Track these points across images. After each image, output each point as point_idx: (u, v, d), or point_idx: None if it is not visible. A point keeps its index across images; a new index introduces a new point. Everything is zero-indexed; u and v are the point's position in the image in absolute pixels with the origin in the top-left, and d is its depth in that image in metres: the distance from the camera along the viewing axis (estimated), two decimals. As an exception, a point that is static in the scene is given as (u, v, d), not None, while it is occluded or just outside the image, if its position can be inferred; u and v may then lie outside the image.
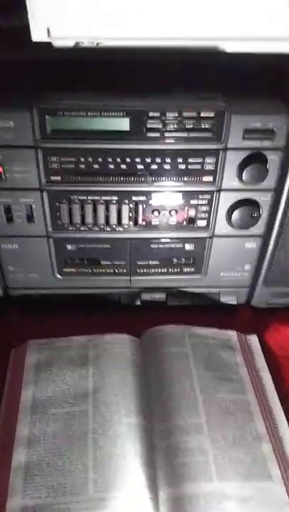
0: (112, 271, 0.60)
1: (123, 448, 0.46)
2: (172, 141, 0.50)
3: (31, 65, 0.50)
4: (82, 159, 0.50)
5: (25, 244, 0.56)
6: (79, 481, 0.43)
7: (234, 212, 0.55)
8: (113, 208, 0.54)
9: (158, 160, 0.51)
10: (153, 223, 0.56)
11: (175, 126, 0.49)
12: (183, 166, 0.52)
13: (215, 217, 0.56)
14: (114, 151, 0.50)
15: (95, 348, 0.56)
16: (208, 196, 0.55)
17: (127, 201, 0.54)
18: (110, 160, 0.50)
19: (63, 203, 0.53)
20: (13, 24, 0.47)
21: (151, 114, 0.48)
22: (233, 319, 0.65)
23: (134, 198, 0.54)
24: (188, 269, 0.62)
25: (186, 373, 0.54)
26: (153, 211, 0.55)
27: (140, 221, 0.56)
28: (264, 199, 0.54)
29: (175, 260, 0.61)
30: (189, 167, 0.52)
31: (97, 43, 0.47)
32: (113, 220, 0.55)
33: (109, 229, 0.56)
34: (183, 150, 0.51)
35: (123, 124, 0.48)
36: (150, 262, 0.60)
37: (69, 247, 0.57)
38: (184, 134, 0.50)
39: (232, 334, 0.61)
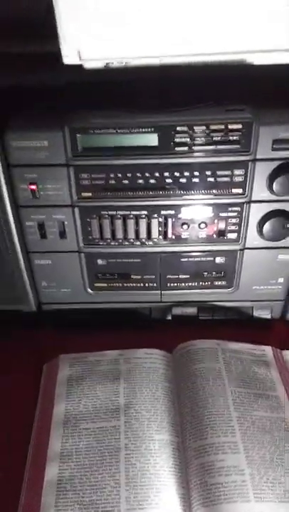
0: (142, 285, 0.60)
1: (156, 465, 0.45)
2: (200, 154, 0.50)
3: (62, 87, 0.53)
4: (112, 175, 0.51)
5: (58, 260, 0.57)
6: (111, 498, 0.42)
7: (265, 224, 0.54)
8: (143, 223, 0.55)
9: (186, 173, 0.51)
10: (183, 237, 0.56)
11: (203, 140, 0.50)
12: (212, 179, 0.52)
13: (246, 229, 0.56)
14: (143, 166, 0.51)
15: (127, 363, 0.55)
16: (238, 208, 0.54)
17: (156, 215, 0.54)
18: (139, 175, 0.51)
19: (94, 218, 0.54)
20: (45, 48, 0.49)
21: (179, 128, 0.49)
22: (268, 334, 0.63)
23: (163, 212, 0.54)
24: (220, 283, 0.61)
25: (220, 389, 0.52)
26: (182, 225, 0.55)
27: (170, 235, 0.56)
28: (296, 210, 0.53)
29: (206, 274, 0.60)
30: (218, 179, 0.52)
31: (126, 63, 0.49)
32: (143, 234, 0.55)
33: (139, 243, 0.56)
34: (211, 163, 0.51)
35: (152, 139, 0.49)
36: (181, 276, 0.60)
37: (100, 261, 0.58)
38: (212, 147, 0.50)
39: (267, 349, 0.59)
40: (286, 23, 0.44)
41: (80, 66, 0.48)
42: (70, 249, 0.56)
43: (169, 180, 0.52)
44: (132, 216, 0.54)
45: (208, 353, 0.57)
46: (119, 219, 0.54)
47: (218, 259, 0.59)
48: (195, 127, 0.49)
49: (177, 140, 0.49)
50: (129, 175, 0.51)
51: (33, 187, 0.51)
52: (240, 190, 0.52)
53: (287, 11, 0.43)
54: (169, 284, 0.61)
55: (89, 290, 0.61)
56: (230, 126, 0.49)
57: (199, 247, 0.57)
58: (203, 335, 0.60)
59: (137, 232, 0.55)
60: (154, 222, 0.55)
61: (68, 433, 0.48)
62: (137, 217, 0.54)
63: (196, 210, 0.54)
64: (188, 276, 0.60)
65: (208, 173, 0.51)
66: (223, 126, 0.49)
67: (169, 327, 0.64)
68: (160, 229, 0.55)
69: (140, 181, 0.52)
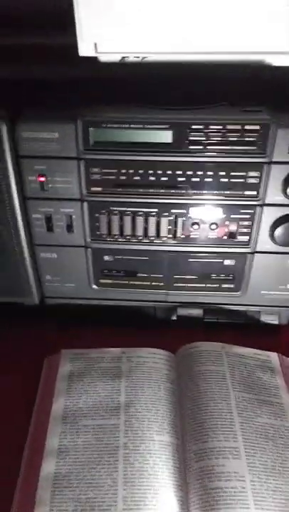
0: (148, 284, 0.60)
1: (154, 466, 0.44)
2: (215, 154, 0.49)
3: (77, 80, 0.52)
4: (123, 171, 0.50)
5: (64, 254, 0.57)
6: (108, 497, 0.42)
7: (278, 228, 0.53)
8: (152, 220, 0.54)
9: (199, 173, 0.50)
10: (192, 237, 0.55)
11: (218, 139, 0.49)
12: (225, 180, 0.51)
13: (257, 232, 0.55)
14: (155, 163, 0.50)
15: (129, 361, 0.55)
16: (250, 211, 0.53)
17: (166, 214, 0.53)
18: (151, 172, 0.50)
19: (103, 213, 0.53)
20: (61, 41, 0.48)
21: (194, 126, 0.48)
22: (274, 340, 0.62)
23: (173, 211, 0.53)
24: (227, 286, 0.60)
25: (223, 393, 0.51)
26: (193, 224, 0.54)
27: (179, 234, 0.55)
28: (310, 215, 0.52)
29: (214, 276, 0.59)
30: (232, 180, 0.51)
31: (143, 58, 0.48)
32: (152, 232, 0.55)
33: (147, 241, 0.55)
34: (225, 163, 0.50)
35: (166, 136, 0.48)
36: (188, 277, 0.59)
37: (106, 257, 0.57)
38: (227, 147, 0.49)
39: (272, 355, 0.58)
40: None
41: (96, 59, 0.47)
42: (77, 243, 0.56)
43: (181, 179, 0.51)
44: (141, 213, 0.53)
45: (213, 355, 0.56)
46: (128, 215, 0.53)
47: (227, 262, 0.58)
48: (211, 126, 0.48)
49: (192, 138, 0.48)
50: (140, 171, 0.50)
51: (42, 179, 0.51)
52: (253, 193, 0.52)
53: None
54: (175, 284, 0.60)
55: (94, 286, 0.60)
56: (246, 127, 0.48)
57: (208, 248, 0.56)
58: (208, 337, 0.59)
59: (145, 230, 0.54)
60: (164, 221, 0.54)
61: (67, 429, 0.48)
62: (146, 215, 0.54)
63: (208, 211, 0.53)
64: (195, 277, 0.59)
65: (222, 173, 0.50)
66: (239, 127, 0.48)
67: (173, 328, 0.63)
68: (170, 228, 0.54)
69: (152, 178, 0.51)
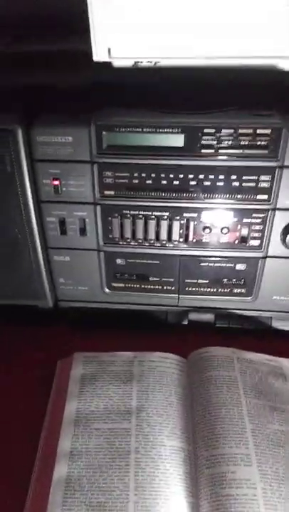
0: (160, 288, 0.60)
1: (166, 472, 0.44)
2: (226, 157, 0.49)
3: (91, 85, 0.53)
4: (136, 174, 0.51)
5: (77, 257, 0.57)
6: (119, 502, 0.41)
7: (289, 233, 0.53)
8: (164, 224, 0.54)
9: (211, 176, 0.51)
10: (204, 241, 0.55)
11: (230, 143, 0.49)
12: (237, 183, 0.51)
13: (269, 237, 0.54)
14: (167, 167, 0.50)
15: (141, 365, 0.55)
16: (262, 215, 0.53)
17: (178, 217, 0.54)
18: (163, 176, 0.51)
19: (115, 217, 0.54)
20: (76, 46, 0.49)
21: (206, 130, 0.48)
22: (287, 346, 0.62)
23: (185, 215, 0.54)
24: (239, 291, 0.60)
25: (235, 399, 0.51)
26: (204, 228, 0.54)
27: (191, 238, 0.55)
28: None
29: (225, 280, 0.59)
30: (243, 184, 0.51)
31: (156, 63, 0.49)
32: (163, 235, 0.55)
33: (159, 245, 0.56)
34: (237, 167, 0.50)
35: (178, 140, 0.49)
36: (199, 281, 0.59)
37: (119, 261, 0.58)
38: (239, 151, 0.49)
39: (284, 361, 0.57)
40: None
41: (110, 64, 0.48)
42: (90, 247, 0.56)
43: (193, 183, 0.51)
44: (153, 217, 0.54)
45: (224, 360, 0.55)
46: (140, 219, 0.54)
47: (239, 266, 0.58)
48: (223, 130, 0.48)
49: (204, 142, 0.49)
50: (153, 175, 0.51)
51: (56, 182, 0.51)
52: (265, 197, 0.51)
53: None
54: (187, 289, 0.60)
55: (106, 289, 0.60)
56: (258, 131, 0.48)
57: (220, 253, 0.56)
58: (219, 343, 0.58)
59: (157, 234, 0.55)
60: (176, 225, 0.54)
61: (79, 432, 0.47)
62: (158, 219, 0.54)
63: (219, 215, 0.53)
64: (207, 281, 0.59)
65: (234, 177, 0.50)
66: (251, 131, 0.48)
67: (185, 332, 0.63)
68: (181, 231, 0.55)
69: (164, 182, 0.51)
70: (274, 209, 0.52)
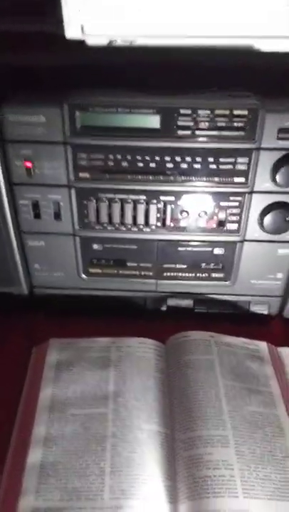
0: (138, 273, 0.59)
1: (142, 455, 0.44)
2: (203, 139, 0.49)
3: (64, 64, 0.51)
4: (111, 156, 0.50)
5: (52, 242, 0.56)
6: (95, 487, 0.41)
7: (267, 216, 0.53)
8: (141, 208, 0.53)
9: (188, 159, 0.50)
10: (181, 225, 0.55)
11: (206, 125, 0.48)
12: (214, 166, 0.50)
13: (246, 220, 0.54)
14: (143, 149, 0.49)
15: (118, 351, 0.54)
16: (239, 198, 0.53)
17: (155, 201, 0.53)
18: (139, 158, 0.50)
19: (91, 200, 0.53)
20: (49, 25, 0.48)
21: (182, 111, 0.47)
22: (264, 330, 0.62)
23: (162, 198, 0.53)
24: (217, 275, 0.60)
25: (212, 382, 0.51)
26: (182, 212, 0.54)
27: (168, 222, 0.54)
28: (299, 202, 0.52)
29: (203, 265, 0.59)
30: (220, 167, 0.50)
31: (131, 42, 0.47)
32: (140, 220, 0.54)
33: (136, 229, 0.55)
34: (214, 149, 0.49)
35: (153, 121, 0.48)
36: (177, 266, 0.59)
37: (95, 246, 0.57)
38: (216, 133, 0.48)
39: (261, 345, 0.58)
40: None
41: (84, 43, 0.47)
42: (65, 231, 0.55)
43: (169, 165, 0.50)
44: (130, 200, 0.53)
45: (202, 344, 0.55)
46: (116, 203, 0.53)
47: (217, 251, 0.57)
48: (199, 111, 0.48)
49: (180, 123, 0.48)
50: (128, 157, 0.50)
51: (29, 164, 0.50)
52: (242, 180, 0.51)
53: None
54: (165, 274, 0.59)
55: (83, 275, 0.59)
56: (235, 112, 0.48)
57: (198, 237, 0.56)
58: (198, 328, 0.58)
59: (134, 218, 0.54)
60: (153, 208, 0.53)
61: (54, 418, 0.47)
62: (135, 202, 0.53)
63: (197, 198, 0.53)
64: (185, 266, 0.59)
65: (211, 159, 0.50)
66: (228, 112, 0.48)
67: (163, 318, 0.63)
68: (158, 215, 0.54)
69: (140, 164, 0.50)
70: (251, 192, 0.52)
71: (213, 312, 0.63)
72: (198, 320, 0.62)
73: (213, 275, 0.59)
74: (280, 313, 0.63)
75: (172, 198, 0.53)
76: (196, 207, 0.53)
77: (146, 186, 0.52)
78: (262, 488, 0.42)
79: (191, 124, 0.48)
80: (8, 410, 0.49)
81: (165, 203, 0.53)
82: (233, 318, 0.63)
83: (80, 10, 0.44)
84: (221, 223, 0.55)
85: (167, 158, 0.50)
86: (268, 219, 0.53)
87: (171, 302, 0.63)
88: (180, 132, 0.48)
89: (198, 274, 0.59)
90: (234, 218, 0.54)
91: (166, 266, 0.59)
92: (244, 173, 0.51)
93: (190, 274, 0.59)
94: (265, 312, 0.63)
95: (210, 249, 0.57)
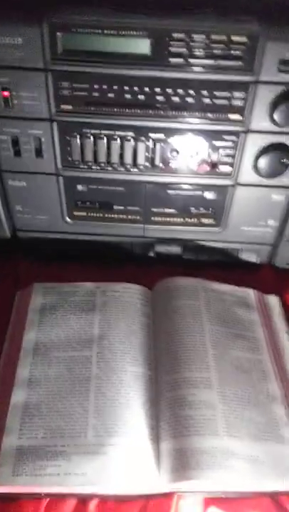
0: (125, 217, 0.57)
1: (126, 396, 0.44)
2: (197, 69, 0.45)
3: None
4: (96, 86, 0.46)
5: (34, 182, 0.53)
6: (78, 425, 0.42)
7: (262, 158, 0.50)
8: (128, 146, 0.50)
9: (180, 91, 0.46)
10: (171, 166, 0.52)
11: (202, 52, 0.44)
12: (208, 100, 0.47)
13: (240, 162, 0.51)
14: (131, 79, 0.45)
15: (104, 295, 0.53)
16: (234, 138, 0.50)
17: (143, 138, 0.49)
18: (127, 89, 0.46)
19: (74, 136, 0.49)
20: None
21: (175, 35, 0.43)
22: (253, 278, 0.61)
23: (151, 136, 0.49)
24: (207, 221, 0.57)
25: (198, 326, 0.50)
26: (172, 152, 0.50)
27: (157, 162, 0.51)
28: (297, 144, 0.49)
29: (193, 210, 0.56)
30: (215, 102, 0.47)
31: None
32: (128, 159, 0.51)
33: (123, 169, 0.52)
34: (209, 81, 0.45)
35: (143, 46, 0.43)
36: (166, 210, 0.56)
37: (80, 187, 0.54)
38: (211, 62, 0.44)
39: (250, 292, 0.57)
40: None
41: None
42: (47, 170, 0.52)
43: (160, 98, 0.46)
44: (116, 137, 0.49)
45: (189, 290, 0.55)
46: (102, 139, 0.49)
47: (208, 195, 0.55)
48: (194, 35, 0.43)
49: (172, 50, 0.44)
50: (115, 87, 0.46)
51: (6, 93, 0.46)
52: (238, 117, 0.48)
53: None
54: (153, 218, 0.57)
55: (67, 219, 0.57)
56: (233, 38, 0.43)
57: (188, 179, 0.53)
58: (186, 275, 0.57)
59: (121, 156, 0.51)
60: (141, 147, 0.50)
61: (38, 360, 0.47)
62: (122, 139, 0.49)
63: (188, 137, 0.50)
64: (174, 210, 0.56)
65: (205, 92, 0.46)
66: (225, 37, 0.43)
67: (151, 265, 0.62)
68: (147, 154, 0.51)
69: (128, 96, 0.46)
70: (247, 131, 0.49)
71: (202, 259, 0.62)
72: (186, 267, 0.61)
73: (203, 221, 0.57)
74: (270, 262, 0.62)
75: (162, 136, 0.49)
76: (187, 146, 0.50)
77: (135, 121, 0.48)
78: (245, 428, 0.43)
79: (184, 50, 0.44)
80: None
81: (154, 141, 0.50)
82: (222, 266, 0.62)
83: None
84: (214, 165, 0.52)
85: (158, 90, 0.46)
86: (262, 161, 0.50)
87: (160, 248, 0.61)
88: (172, 60, 0.44)
89: (187, 220, 0.57)
90: (227, 160, 0.51)
91: (154, 210, 0.56)
92: (240, 110, 0.47)
93: (179, 219, 0.57)
94: (255, 260, 0.62)
95: (200, 193, 0.55)
